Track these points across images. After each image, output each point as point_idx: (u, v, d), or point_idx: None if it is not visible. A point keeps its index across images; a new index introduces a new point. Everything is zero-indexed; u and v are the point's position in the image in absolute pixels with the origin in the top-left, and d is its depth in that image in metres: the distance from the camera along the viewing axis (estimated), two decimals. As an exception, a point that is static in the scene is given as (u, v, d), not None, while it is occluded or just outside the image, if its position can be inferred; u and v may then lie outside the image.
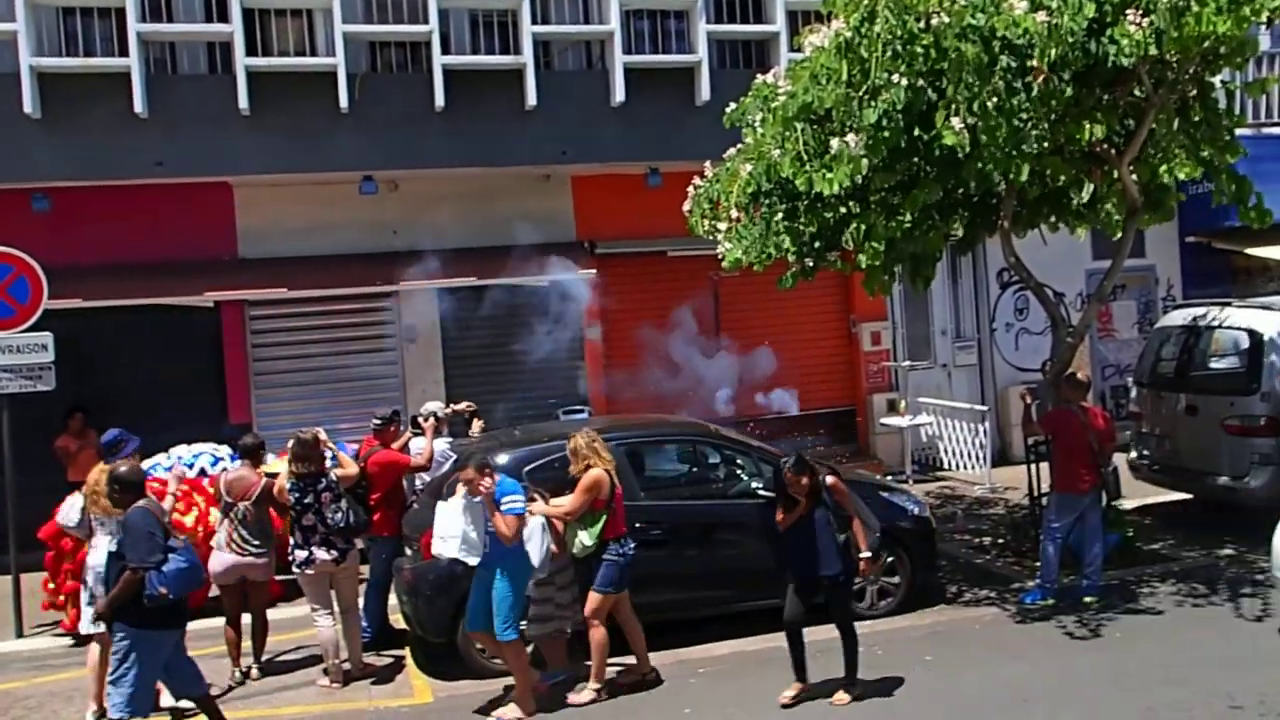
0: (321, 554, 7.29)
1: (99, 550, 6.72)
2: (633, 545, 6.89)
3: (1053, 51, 6.93)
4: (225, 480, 7.66)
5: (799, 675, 6.56)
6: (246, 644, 7.65)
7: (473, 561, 6.54)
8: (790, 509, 6.47)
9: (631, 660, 7.10)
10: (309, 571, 7.33)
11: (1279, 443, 9.32)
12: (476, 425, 9.39)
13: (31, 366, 8.91)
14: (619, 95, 11.58)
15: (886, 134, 7.28)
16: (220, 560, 7.48)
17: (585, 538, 6.71)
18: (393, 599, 8.22)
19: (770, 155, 8.08)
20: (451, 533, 6.48)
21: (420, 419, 8.64)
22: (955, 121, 7.01)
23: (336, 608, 7.47)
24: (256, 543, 7.48)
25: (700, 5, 11.91)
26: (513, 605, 6.54)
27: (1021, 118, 7.13)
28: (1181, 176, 8.53)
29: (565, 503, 6.75)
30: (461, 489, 6.52)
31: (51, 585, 8.63)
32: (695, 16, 11.99)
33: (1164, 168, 8.20)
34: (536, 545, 6.56)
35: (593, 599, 6.80)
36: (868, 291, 8.73)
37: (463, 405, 9.64)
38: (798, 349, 13.44)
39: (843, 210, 8.20)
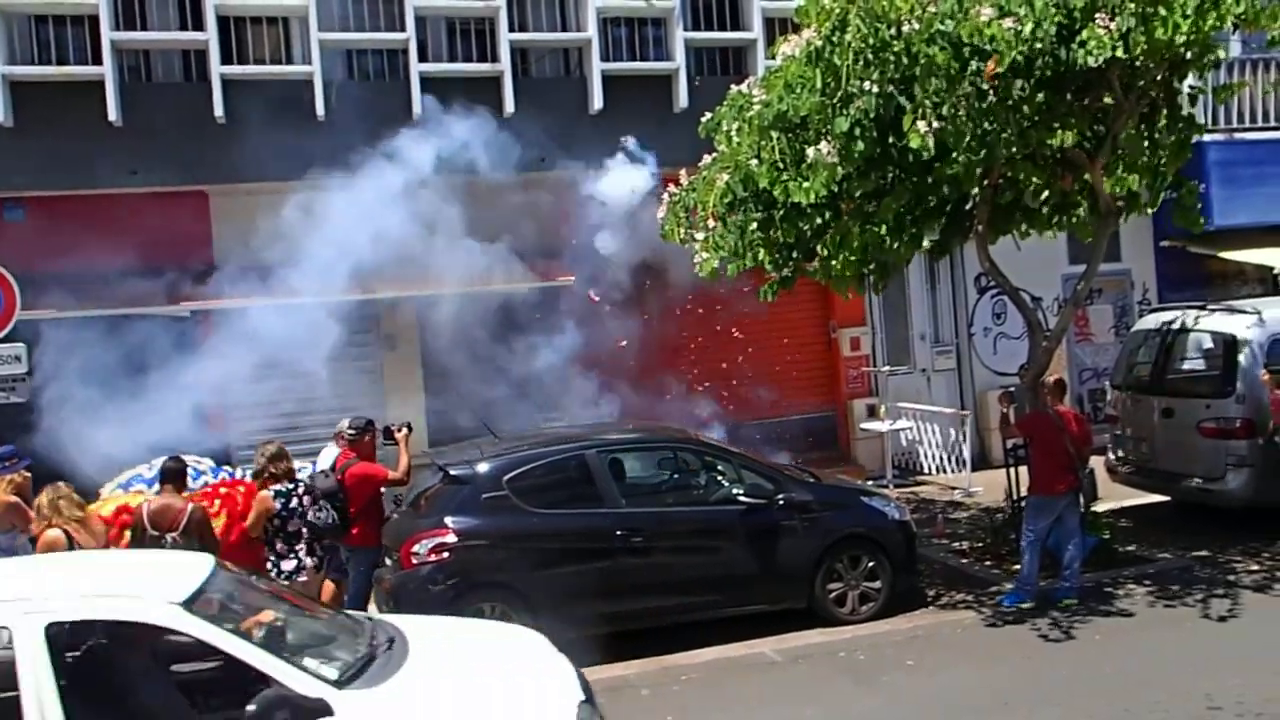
0: (309, 561, 7.25)
1: None
2: None
3: (1014, 55, 6.99)
4: (149, 511, 6.72)
5: None
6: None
7: None
8: None
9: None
10: (301, 579, 7.20)
11: (1254, 445, 9.42)
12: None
13: (4, 378, 8.83)
14: (597, 102, 11.59)
15: (860, 142, 7.32)
16: None
17: None
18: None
19: (747, 164, 8.09)
20: None
21: (394, 430, 8.52)
22: (921, 125, 7.06)
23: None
24: None
25: (678, 12, 11.94)
26: None
27: (987, 125, 7.18)
28: (1133, 188, 8.56)
29: None
30: None
31: None
32: (673, 24, 12.01)
33: (1117, 173, 8.24)
34: None
35: None
36: (839, 293, 8.77)
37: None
38: (777, 355, 13.44)
39: (818, 221, 8.23)
